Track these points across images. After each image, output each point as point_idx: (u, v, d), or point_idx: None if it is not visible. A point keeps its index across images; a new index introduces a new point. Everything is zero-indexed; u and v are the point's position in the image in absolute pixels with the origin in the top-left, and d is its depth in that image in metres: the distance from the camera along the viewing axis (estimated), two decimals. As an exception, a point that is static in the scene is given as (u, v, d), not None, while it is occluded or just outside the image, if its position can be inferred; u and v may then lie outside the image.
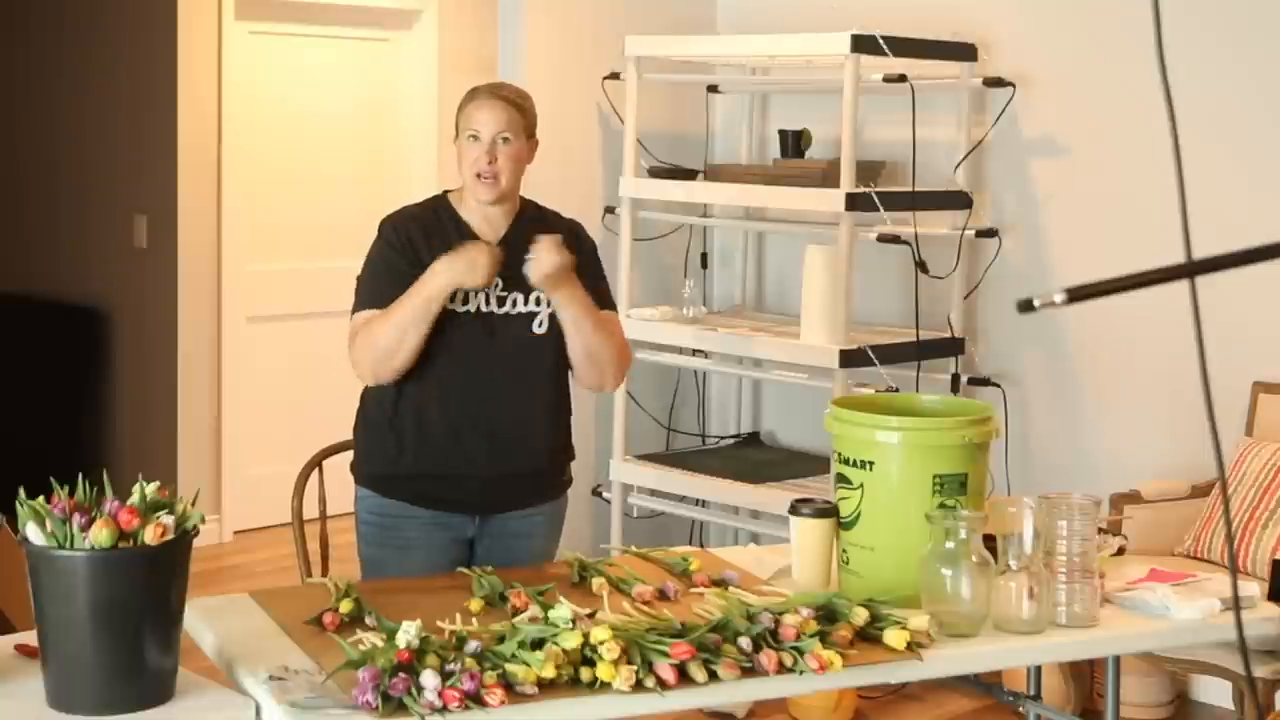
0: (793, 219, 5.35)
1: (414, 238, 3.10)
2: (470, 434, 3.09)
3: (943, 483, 2.74)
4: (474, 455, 3.10)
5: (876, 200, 4.63)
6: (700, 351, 5.33)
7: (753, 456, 5.40)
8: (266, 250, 6.42)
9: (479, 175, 3.09)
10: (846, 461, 2.81)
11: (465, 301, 3.08)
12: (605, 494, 5.33)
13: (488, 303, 3.09)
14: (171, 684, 2.35)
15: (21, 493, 2.31)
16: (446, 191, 3.25)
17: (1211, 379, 1.59)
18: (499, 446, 3.11)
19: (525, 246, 3.05)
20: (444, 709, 2.25)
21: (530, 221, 3.17)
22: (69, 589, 2.25)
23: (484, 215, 3.15)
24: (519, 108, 3.16)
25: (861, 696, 4.58)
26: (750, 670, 2.45)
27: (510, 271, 3.07)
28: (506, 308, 3.11)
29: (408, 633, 2.34)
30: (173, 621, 2.34)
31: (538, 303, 3.12)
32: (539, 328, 3.12)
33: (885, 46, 4.60)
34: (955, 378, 4.91)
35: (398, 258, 3.08)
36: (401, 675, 2.27)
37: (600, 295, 3.21)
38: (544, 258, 3.01)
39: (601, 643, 2.37)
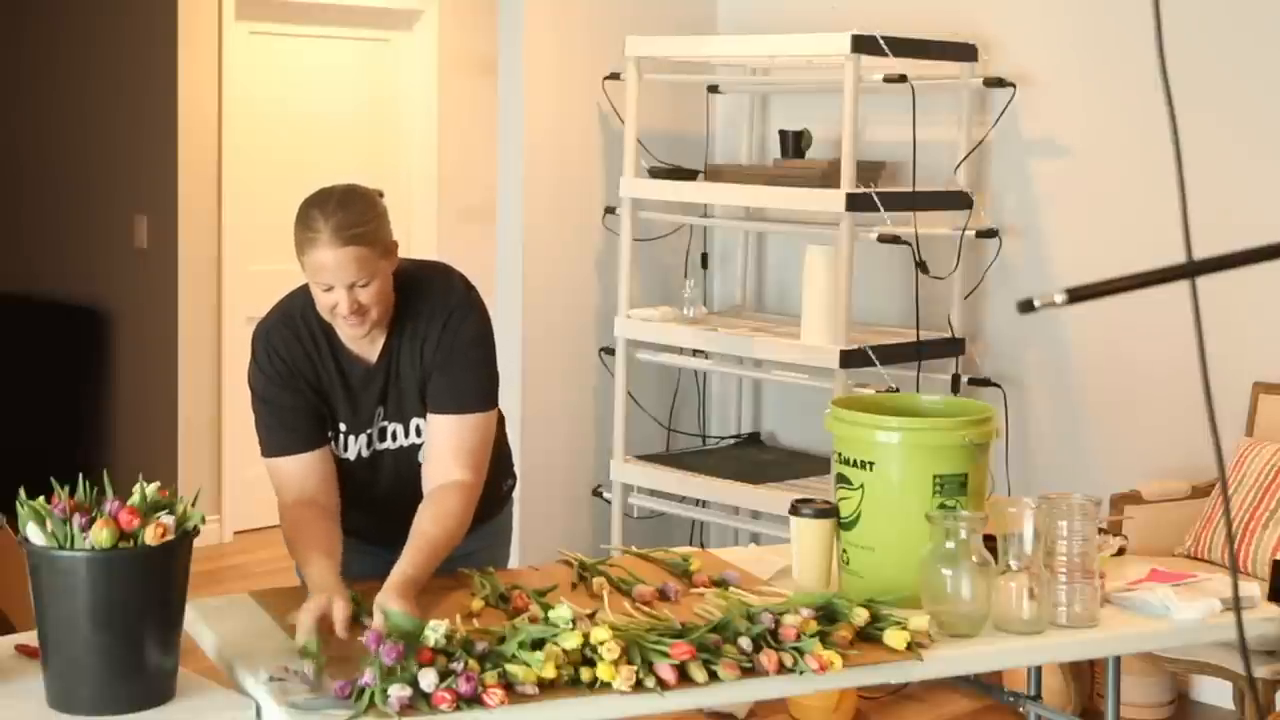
0: (793, 219, 5.35)
1: (289, 360, 2.84)
2: (385, 531, 2.88)
3: (943, 483, 2.73)
4: (392, 536, 2.85)
5: (877, 200, 4.64)
6: (700, 352, 5.33)
7: (753, 456, 5.40)
8: (266, 250, 6.42)
9: (343, 318, 2.75)
10: (847, 462, 2.80)
11: (345, 449, 2.88)
12: (605, 494, 5.33)
13: (369, 444, 2.89)
14: (171, 684, 2.35)
15: (22, 493, 2.31)
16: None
17: (1211, 379, 1.59)
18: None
19: (403, 356, 2.85)
20: (436, 709, 2.25)
21: (408, 320, 2.85)
22: (69, 589, 2.25)
23: (354, 339, 2.85)
24: (366, 239, 2.72)
25: (862, 696, 4.58)
26: (750, 670, 2.45)
27: (390, 396, 2.87)
28: (388, 442, 2.90)
29: (435, 631, 2.34)
30: (173, 621, 2.34)
31: (419, 433, 2.88)
32: (423, 457, 2.90)
33: (885, 47, 4.60)
34: (955, 378, 4.91)
35: (278, 391, 2.84)
36: (368, 671, 2.27)
37: (461, 392, 2.85)
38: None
39: (602, 643, 2.37)
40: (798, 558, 2.91)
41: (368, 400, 2.88)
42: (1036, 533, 2.68)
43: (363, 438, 2.90)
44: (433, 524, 2.77)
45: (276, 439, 2.85)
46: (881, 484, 2.76)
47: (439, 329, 2.85)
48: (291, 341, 2.86)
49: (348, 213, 2.74)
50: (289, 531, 2.79)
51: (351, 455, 2.91)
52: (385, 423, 2.90)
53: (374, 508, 2.93)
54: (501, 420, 3.03)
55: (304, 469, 2.83)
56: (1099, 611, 2.78)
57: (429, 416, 2.88)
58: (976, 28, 5.00)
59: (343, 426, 2.89)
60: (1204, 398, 1.57)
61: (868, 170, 4.86)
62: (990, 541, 2.72)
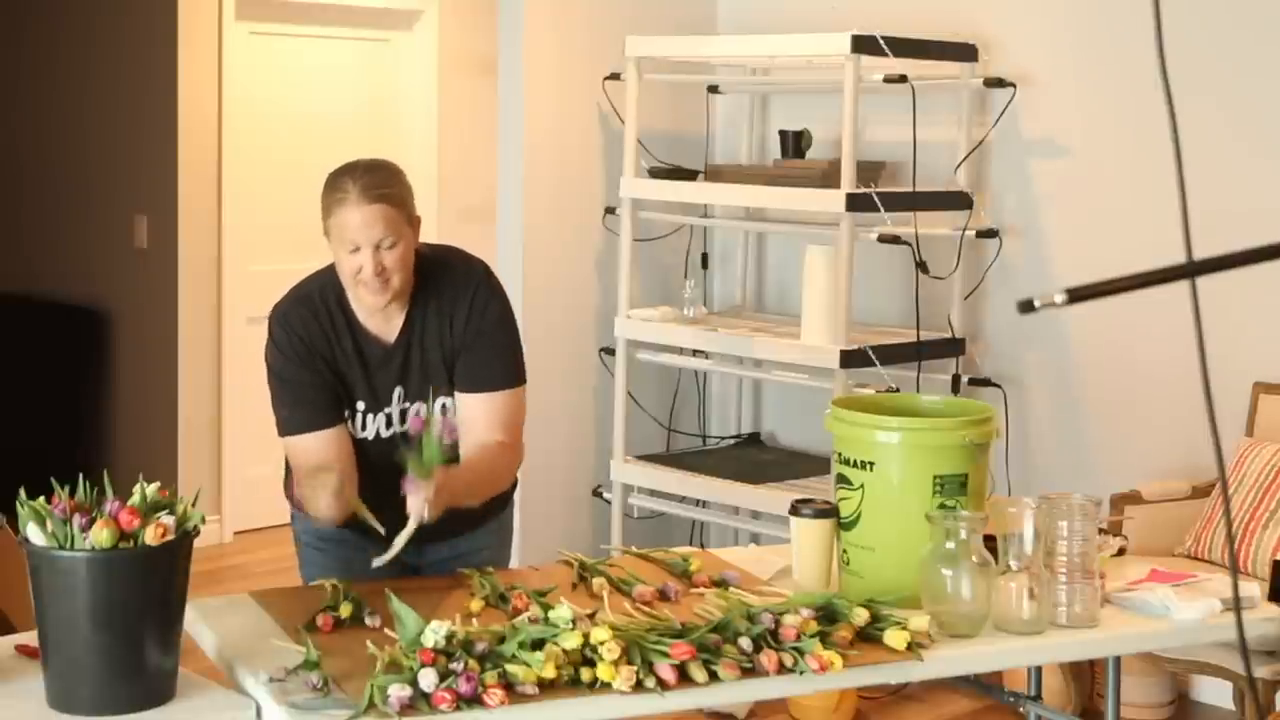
0: (793, 219, 5.35)
1: (306, 339, 2.87)
2: (403, 519, 2.78)
3: (943, 483, 2.73)
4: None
5: (877, 200, 4.64)
6: (700, 352, 5.33)
7: (753, 457, 5.40)
8: (266, 250, 6.42)
9: (366, 283, 2.80)
10: (847, 462, 2.80)
11: (364, 428, 2.90)
12: (606, 494, 5.33)
13: (389, 424, 2.91)
14: (172, 684, 2.35)
15: (22, 493, 2.31)
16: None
17: (1211, 379, 1.59)
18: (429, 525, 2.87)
19: (426, 335, 2.88)
20: (436, 709, 2.25)
21: (429, 300, 2.89)
22: (70, 589, 2.25)
23: (374, 308, 2.88)
24: (394, 200, 2.81)
25: (862, 697, 4.58)
26: (750, 670, 2.45)
27: (410, 376, 2.90)
28: (410, 423, 2.91)
29: (436, 633, 2.34)
30: (173, 621, 2.34)
31: (443, 410, 2.88)
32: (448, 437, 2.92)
33: (885, 47, 4.60)
34: (956, 378, 4.91)
35: (296, 369, 2.86)
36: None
37: (492, 372, 2.91)
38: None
39: (602, 643, 2.37)
40: (798, 558, 2.91)
41: (385, 380, 2.90)
42: (1036, 533, 2.68)
43: (381, 417, 2.92)
44: (475, 456, 2.82)
45: (296, 415, 2.87)
46: (881, 484, 2.76)
47: (466, 306, 2.89)
48: (309, 320, 2.89)
49: (375, 175, 2.84)
50: (301, 485, 2.78)
51: (370, 435, 2.92)
52: (407, 403, 2.92)
53: (394, 491, 2.89)
54: None
55: (324, 445, 2.84)
56: (1099, 611, 2.78)
57: (458, 396, 2.91)
58: (976, 28, 5.00)
59: (360, 405, 2.90)
60: (1204, 398, 1.57)
61: (868, 170, 4.86)
62: (990, 541, 2.72)
